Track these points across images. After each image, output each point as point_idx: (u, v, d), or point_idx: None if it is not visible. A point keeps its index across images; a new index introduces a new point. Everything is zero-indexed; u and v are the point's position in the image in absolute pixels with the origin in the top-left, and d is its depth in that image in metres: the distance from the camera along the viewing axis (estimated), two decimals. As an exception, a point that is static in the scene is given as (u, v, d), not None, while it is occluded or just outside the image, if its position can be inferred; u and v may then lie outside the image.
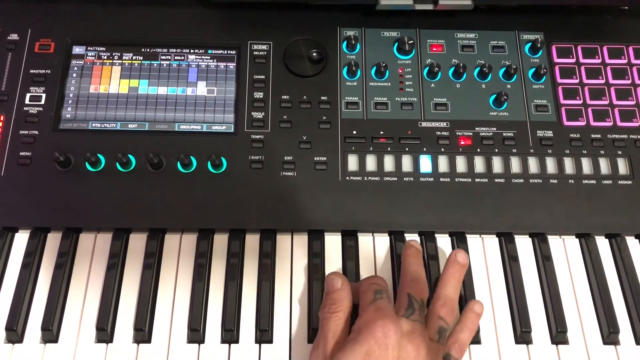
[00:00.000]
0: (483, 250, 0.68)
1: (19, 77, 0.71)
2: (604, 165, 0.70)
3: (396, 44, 0.75)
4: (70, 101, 0.71)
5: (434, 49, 0.75)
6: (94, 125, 0.70)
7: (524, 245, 0.68)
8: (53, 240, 0.66)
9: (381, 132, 0.70)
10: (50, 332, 0.61)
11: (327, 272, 0.65)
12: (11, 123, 0.69)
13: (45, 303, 0.62)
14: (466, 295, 0.64)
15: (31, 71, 0.71)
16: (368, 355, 0.52)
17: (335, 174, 0.68)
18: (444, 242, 0.68)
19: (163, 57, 0.73)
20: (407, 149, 0.70)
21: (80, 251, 0.66)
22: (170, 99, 0.71)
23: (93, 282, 0.64)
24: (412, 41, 0.73)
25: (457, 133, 0.71)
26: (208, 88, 0.72)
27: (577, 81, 0.74)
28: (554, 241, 0.68)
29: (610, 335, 0.63)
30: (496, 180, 0.69)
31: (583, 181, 0.69)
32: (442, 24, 0.76)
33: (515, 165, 0.70)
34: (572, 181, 0.69)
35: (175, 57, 0.73)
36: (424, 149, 0.70)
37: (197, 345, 0.61)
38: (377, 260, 0.67)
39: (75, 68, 0.72)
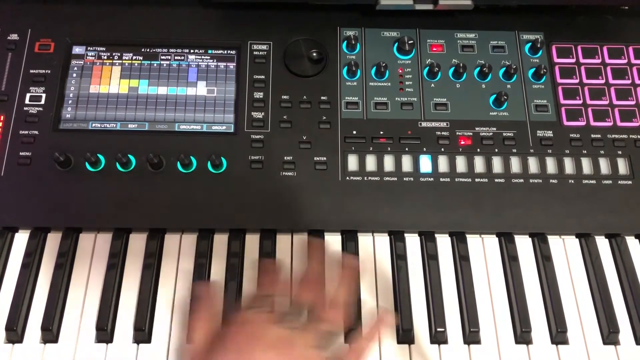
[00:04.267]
0: (483, 250, 0.68)
1: (19, 77, 0.71)
2: (604, 165, 0.70)
3: (396, 44, 0.75)
4: (70, 101, 0.71)
5: (434, 49, 0.75)
6: (94, 125, 0.70)
7: (524, 245, 0.68)
8: (53, 240, 0.66)
9: (381, 132, 0.70)
10: (50, 332, 0.61)
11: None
12: (11, 123, 0.69)
13: (45, 303, 0.62)
14: (466, 295, 0.64)
15: (31, 71, 0.71)
16: None
17: (335, 174, 0.68)
18: (444, 242, 0.68)
19: (163, 57, 0.73)
20: (407, 149, 0.70)
21: (80, 251, 0.66)
22: (170, 99, 0.71)
23: (93, 282, 0.64)
24: (412, 41, 0.73)
25: (457, 133, 0.71)
26: (208, 88, 0.72)
27: (577, 81, 0.74)
28: (554, 241, 0.68)
29: (610, 335, 0.63)
30: (496, 180, 0.69)
31: (583, 181, 0.69)
32: (442, 24, 0.76)
33: (515, 165, 0.70)
34: (572, 181, 0.69)
35: (175, 57, 0.73)
36: (424, 149, 0.70)
37: (197, 345, 0.61)
38: (377, 260, 0.67)
39: (75, 68, 0.72)
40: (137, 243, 0.66)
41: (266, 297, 0.57)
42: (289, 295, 0.59)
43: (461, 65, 0.72)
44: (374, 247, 0.67)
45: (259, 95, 0.71)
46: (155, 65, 0.73)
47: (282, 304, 0.58)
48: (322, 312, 0.57)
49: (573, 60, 0.75)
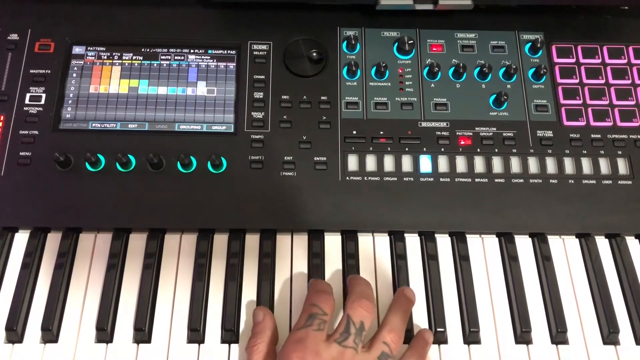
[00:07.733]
0: (483, 250, 0.68)
1: (19, 77, 0.71)
2: (604, 165, 0.70)
3: (396, 44, 0.75)
4: (70, 101, 0.71)
5: (434, 49, 0.75)
6: (94, 125, 0.70)
7: (524, 245, 0.68)
8: (53, 240, 0.66)
9: (381, 132, 0.70)
10: (50, 332, 0.61)
11: (327, 272, 0.65)
12: (11, 123, 0.69)
13: (45, 303, 0.62)
14: (466, 295, 0.64)
15: (31, 71, 0.71)
16: None
17: (335, 174, 0.68)
18: (444, 242, 0.68)
19: (163, 57, 0.73)
20: (407, 149, 0.70)
21: (80, 251, 0.66)
22: (170, 99, 0.71)
23: (93, 282, 0.64)
24: (412, 41, 0.73)
25: (457, 133, 0.71)
26: (208, 88, 0.72)
27: (577, 81, 0.74)
28: (554, 241, 0.68)
29: (610, 335, 0.63)
30: (496, 180, 0.69)
31: (583, 181, 0.69)
32: (442, 24, 0.76)
33: (515, 165, 0.70)
34: (572, 181, 0.69)
35: (175, 57, 0.73)
36: (424, 149, 0.70)
37: (197, 345, 0.61)
38: (377, 260, 0.67)
39: (75, 68, 0.72)
40: (137, 243, 0.66)
41: (318, 315, 0.56)
42: (339, 313, 0.57)
43: (461, 65, 0.72)
44: (374, 247, 0.67)
45: (259, 95, 0.71)
46: (155, 65, 0.73)
47: (334, 322, 0.57)
48: (383, 334, 0.56)
49: (573, 60, 0.75)
